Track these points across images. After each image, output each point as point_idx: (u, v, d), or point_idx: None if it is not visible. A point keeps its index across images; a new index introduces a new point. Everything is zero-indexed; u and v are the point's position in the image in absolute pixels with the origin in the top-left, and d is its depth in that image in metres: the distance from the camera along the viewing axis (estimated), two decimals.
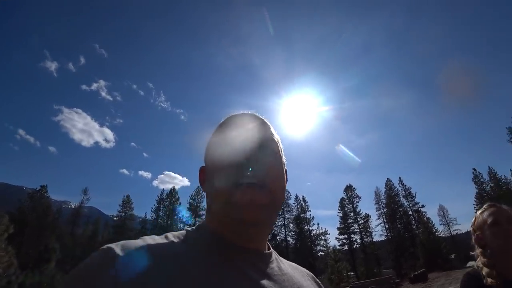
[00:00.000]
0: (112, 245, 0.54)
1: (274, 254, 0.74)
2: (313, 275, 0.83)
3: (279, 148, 0.74)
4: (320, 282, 0.82)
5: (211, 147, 0.72)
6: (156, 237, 0.62)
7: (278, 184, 0.69)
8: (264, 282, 0.62)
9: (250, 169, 0.63)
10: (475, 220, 1.68)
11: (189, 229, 0.68)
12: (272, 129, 0.76)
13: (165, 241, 0.61)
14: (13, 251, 17.27)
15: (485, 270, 1.50)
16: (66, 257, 31.92)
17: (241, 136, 0.68)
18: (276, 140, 0.74)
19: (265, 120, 0.75)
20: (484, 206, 1.67)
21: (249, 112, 0.76)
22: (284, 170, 0.75)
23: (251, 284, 0.60)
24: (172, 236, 0.63)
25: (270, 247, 0.75)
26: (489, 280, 1.45)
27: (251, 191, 0.62)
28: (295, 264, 0.81)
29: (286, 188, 0.74)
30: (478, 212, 1.67)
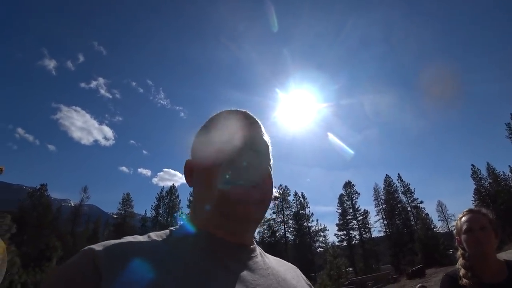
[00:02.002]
0: (93, 246, 0.54)
1: (259, 249, 0.75)
2: (299, 269, 0.85)
3: (268, 146, 0.77)
4: (305, 277, 0.84)
5: (201, 143, 0.73)
6: (138, 236, 0.63)
7: (268, 183, 0.71)
8: (249, 276, 0.62)
9: (244, 164, 0.66)
10: (456, 224, 1.82)
11: (173, 228, 0.69)
12: (263, 129, 0.78)
13: (147, 240, 0.61)
14: (17, 251, 17.41)
15: (462, 271, 1.65)
16: (67, 256, 32.06)
17: (234, 134, 0.70)
18: (266, 138, 0.77)
19: (256, 119, 0.78)
20: (464, 211, 1.81)
21: (241, 110, 0.78)
22: (271, 169, 0.77)
23: (236, 278, 0.60)
24: (154, 235, 0.64)
25: (255, 242, 0.76)
26: (464, 280, 1.60)
27: (244, 188, 0.64)
28: (280, 259, 0.83)
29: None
30: (458, 217, 1.81)
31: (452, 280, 1.68)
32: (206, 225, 0.67)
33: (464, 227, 1.69)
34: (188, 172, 0.76)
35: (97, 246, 0.54)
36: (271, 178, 0.74)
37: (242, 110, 0.78)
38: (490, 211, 1.76)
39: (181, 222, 0.73)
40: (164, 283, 0.50)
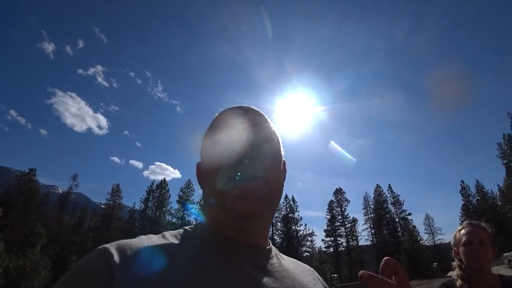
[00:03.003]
0: (108, 246, 0.54)
1: (274, 250, 0.74)
2: (316, 272, 0.83)
3: (274, 139, 0.73)
4: (323, 280, 0.81)
5: (205, 144, 0.72)
6: (153, 236, 0.62)
7: (273, 175, 0.67)
8: (263, 278, 0.61)
9: (245, 162, 0.63)
10: (454, 236, 1.83)
11: (188, 228, 0.68)
12: (267, 120, 0.75)
13: (162, 240, 0.61)
14: (0, 234, 17.11)
15: (459, 282, 1.67)
16: (52, 243, 31.67)
17: (236, 132, 0.67)
18: (271, 131, 0.73)
19: (259, 112, 0.75)
20: (464, 223, 1.83)
21: (243, 105, 0.76)
22: (282, 161, 0.75)
23: (250, 280, 0.59)
24: (169, 235, 0.64)
25: (270, 243, 0.75)
26: None
27: (243, 183, 0.61)
28: (297, 261, 0.81)
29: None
30: (458, 229, 1.82)
31: None
32: (216, 225, 0.67)
33: (464, 239, 1.71)
34: (198, 174, 0.76)
35: (112, 246, 0.54)
36: (278, 169, 0.71)
37: (244, 105, 0.76)
38: (489, 226, 1.78)
39: (196, 222, 0.72)
40: (177, 283, 0.51)
